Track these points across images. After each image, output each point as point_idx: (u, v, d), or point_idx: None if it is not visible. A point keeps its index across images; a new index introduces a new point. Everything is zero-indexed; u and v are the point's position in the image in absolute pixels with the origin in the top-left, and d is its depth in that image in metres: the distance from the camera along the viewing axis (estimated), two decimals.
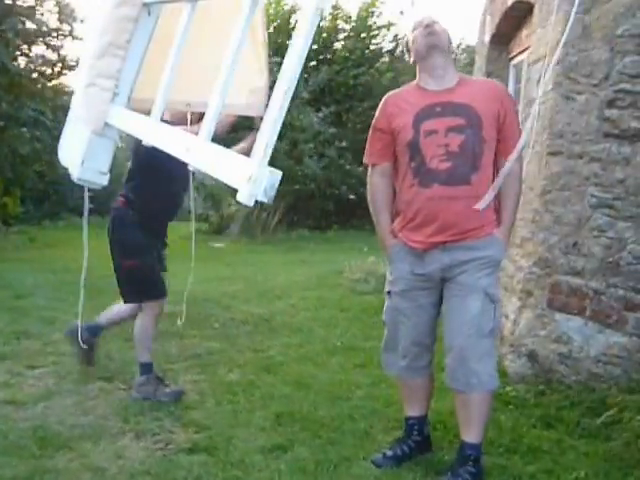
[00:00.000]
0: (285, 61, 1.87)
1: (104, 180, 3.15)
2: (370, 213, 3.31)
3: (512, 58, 6.67)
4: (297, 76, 1.86)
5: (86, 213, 3.65)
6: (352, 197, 16.32)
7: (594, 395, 3.72)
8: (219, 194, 17.51)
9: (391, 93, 3.32)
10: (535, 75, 4.56)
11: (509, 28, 6.50)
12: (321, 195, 16.77)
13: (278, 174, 1.91)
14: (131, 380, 4.38)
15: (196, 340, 5.62)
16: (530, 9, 6.06)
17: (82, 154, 3.08)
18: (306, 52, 1.84)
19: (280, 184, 1.91)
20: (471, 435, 3.10)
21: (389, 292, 3.31)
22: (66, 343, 4.67)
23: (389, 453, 3.32)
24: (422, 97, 3.15)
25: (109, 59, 2.98)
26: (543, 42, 4.48)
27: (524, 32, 6.36)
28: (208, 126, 2.30)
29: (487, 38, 6.72)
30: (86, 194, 3.54)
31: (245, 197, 1.92)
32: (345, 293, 7.71)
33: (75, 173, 3.13)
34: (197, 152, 2.31)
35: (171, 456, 3.34)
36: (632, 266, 3.70)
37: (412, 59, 3.23)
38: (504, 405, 3.87)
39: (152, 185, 4.07)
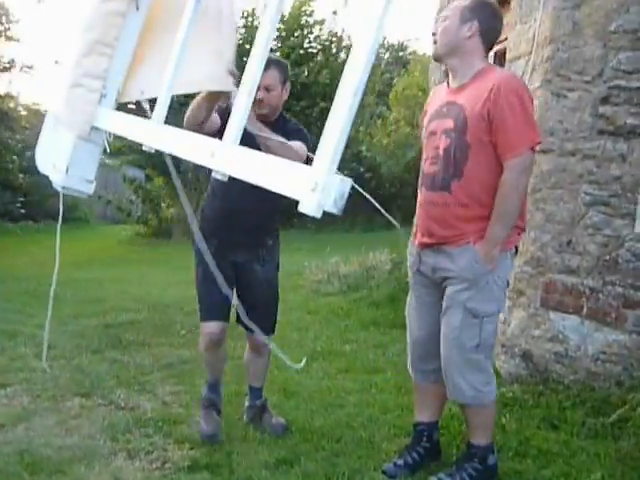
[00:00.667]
0: (350, 58, 1.70)
1: (90, 189, 2.90)
2: None
3: None
4: (367, 75, 1.71)
5: (60, 220, 3.40)
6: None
7: (596, 394, 3.69)
8: (158, 197, 17.15)
9: (434, 88, 3.28)
10: (517, 72, 4.51)
11: None
12: None
13: (348, 182, 1.72)
14: (110, 395, 4.16)
15: (165, 349, 5.40)
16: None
17: (66, 160, 2.85)
18: (376, 47, 1.69)
19: None
20: (474, 437, 3.08)
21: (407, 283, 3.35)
22: (35, 358, 4.39)
23: (399, 462, 3.21)
24: (441, 96, 3.09)
25: (96, 57, 2.76)
26: (524, 38, 4.45)
27: None
28: (236, 127, 2.11)
29: None
30: (61, 200, 3.29)
31: (312, 208, 1.71)
32: (309, 295, 7.58)
33: (58, 181, 2.88)
34: (226, 157, 2.11)
35: (171, 476, 3.13)
36: (631, 263, 3.69)
37: None
38: (503, 407, 3.80)
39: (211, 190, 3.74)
